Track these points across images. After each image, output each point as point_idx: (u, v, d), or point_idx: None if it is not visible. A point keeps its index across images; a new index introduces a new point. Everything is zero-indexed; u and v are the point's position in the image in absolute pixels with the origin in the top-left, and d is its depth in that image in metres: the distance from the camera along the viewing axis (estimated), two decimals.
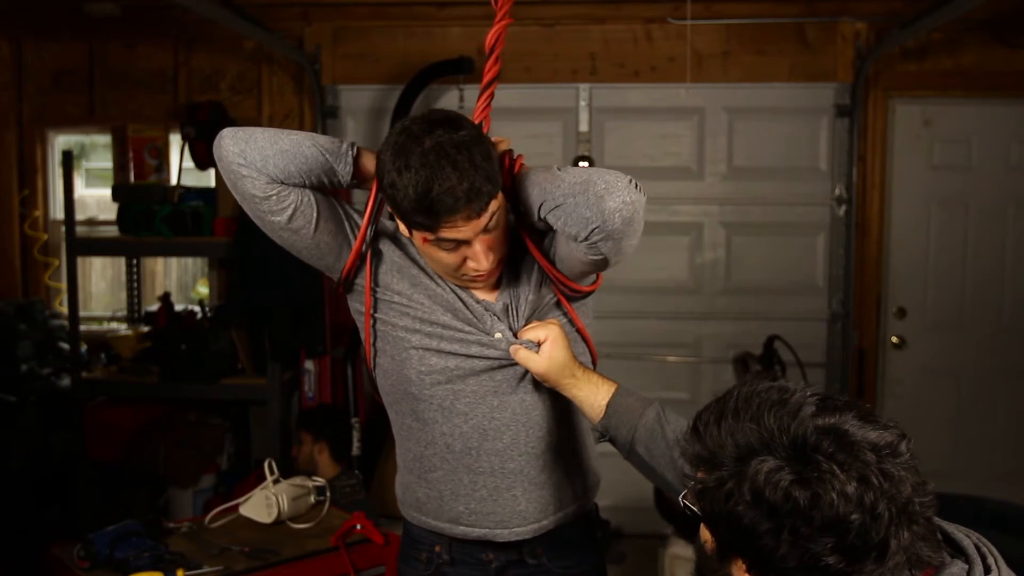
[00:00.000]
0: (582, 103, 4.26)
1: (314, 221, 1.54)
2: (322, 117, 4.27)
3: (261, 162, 1.48)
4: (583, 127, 4.26)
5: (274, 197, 1.50)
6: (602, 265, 1.52)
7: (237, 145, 1.49)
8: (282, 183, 1.50)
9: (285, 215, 1.52)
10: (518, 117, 4.09)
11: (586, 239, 1.45)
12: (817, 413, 1.04)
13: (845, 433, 1.02)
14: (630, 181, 1.44)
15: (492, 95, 1.65)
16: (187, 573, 1.99)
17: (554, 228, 1.52)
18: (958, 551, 1.11)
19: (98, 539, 2.07)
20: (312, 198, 1.54)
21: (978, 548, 1.11)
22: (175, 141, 4.22)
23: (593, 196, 1.42)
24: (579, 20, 4.25)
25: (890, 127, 4.25)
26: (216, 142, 1.51)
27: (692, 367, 4.36)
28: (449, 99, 4.22)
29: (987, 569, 1.08)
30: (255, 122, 4.33)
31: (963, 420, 4.31)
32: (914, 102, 4.24)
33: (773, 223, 4.27)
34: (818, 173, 4.25)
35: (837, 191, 4.23)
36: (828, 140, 4.23)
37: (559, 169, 1.52)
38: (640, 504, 3.57)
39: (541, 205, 1.50)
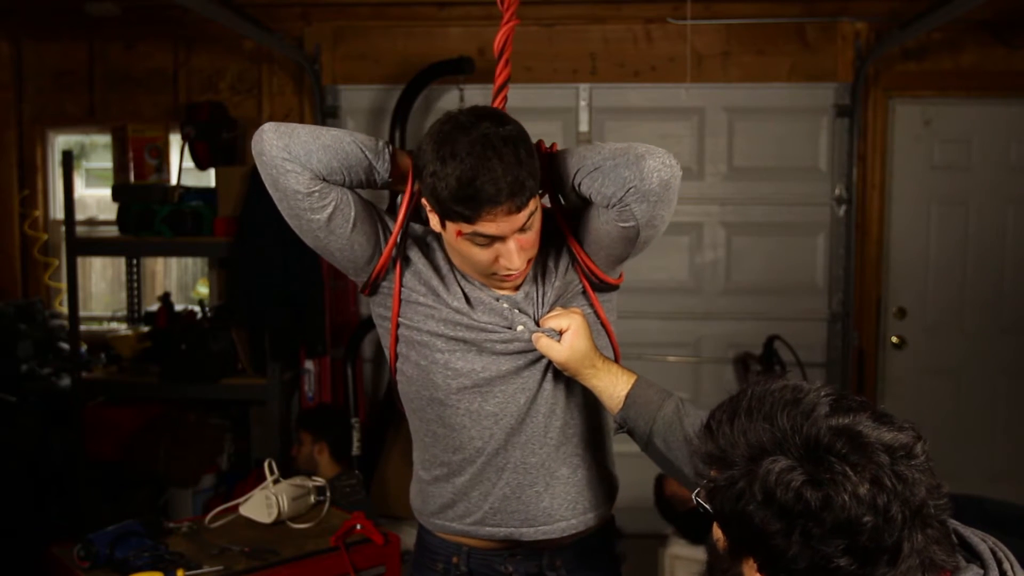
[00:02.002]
0: (582, 103, 4.26)
1: (352, 221, 1.53)
2: (322, 117, 4.27)
3: (305, 157, 1.47)
4: (583, 127, 4.26)
5: (316, 194, 1.48)
6: (633, 235, 1.51)
7: (281, 140, 1.47)
8: (324, 180, 1.49)
9: (325, 213, 1.50)
10: (518, 117, 4.03)
11: (621, 199, 1.46)
12: (831, 413, 1.03)
13: (859, 434, 1.01)
14: (668, 151, 1.48)
15: (506, 98, 1.67)
16: (187, 573, 1.99)
17: (585, 196, 1.53)
18: (973, 555, 1.10)
19: (98, 539, 2.07)
20: (350, 198, 1.53)
21: (994, 553, 1.10)
22: (175, 141, 4.22)
23: (633, 156, 1.45)
24: (579, 20, 4.25)
25: (890, 127, 4.25)
26: (257, 136, 1.50)
27: (692, 367, 4.36)
28: (449, 99, 4.22)
29: (1003, 574, 1.07)
30: (255, 122, 4.32)
31: (963, 420, 4.31)
32: (914, 102, 4.24)
33: (773, 223, 4.27)
34: (818, 173, 4.25)
35: (837, 191, 4.23)
36: (828, 140, 4.23)
37: (600, 143, 1.55)
38: (640, 504, 3.56)
39: (578, 171, 1.51)
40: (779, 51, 4.21)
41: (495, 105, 1.65)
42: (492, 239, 1.47)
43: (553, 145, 1.61)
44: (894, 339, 4.34)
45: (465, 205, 1.42)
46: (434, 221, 1.53)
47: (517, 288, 1.62)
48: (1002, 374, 4.31)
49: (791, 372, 3.94)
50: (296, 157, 1.47)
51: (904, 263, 4.31)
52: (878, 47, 4.05)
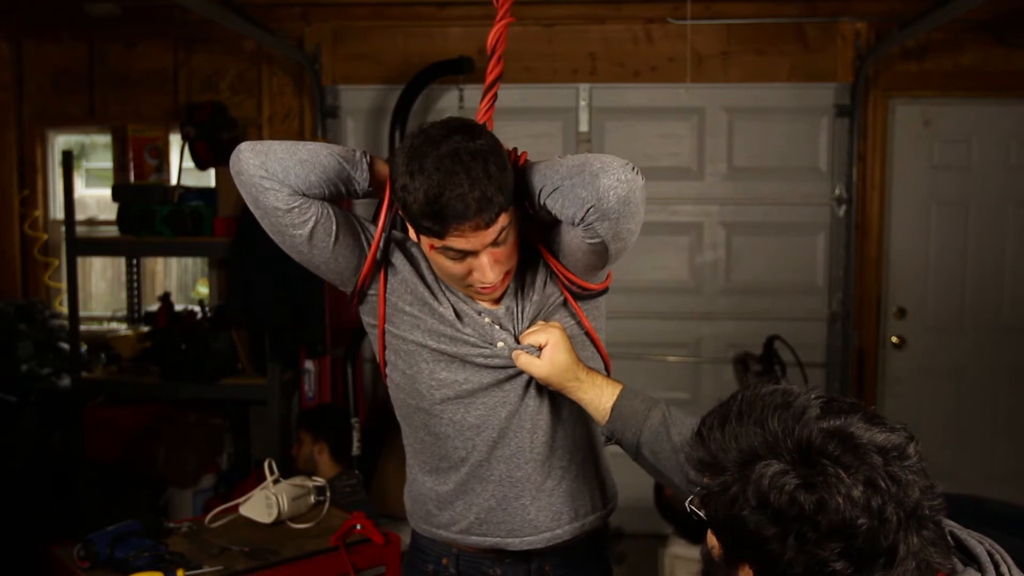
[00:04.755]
0: (582, 103, 4.26)
1: (334, 234, 1.53)
2: (322, 117, 4.27)
3: (283, 173, 1.47)
4: (583, 127, 4.26)
5: (296, 209, 1.49)
6: (602, 250, 1.50)
7: (257, 158, 1.48)
8: (303, 195, 1.49)
9: (307, 228, 1.51)
10: (518, 117, 4.10)
11: (583, 220, 1.44)
12: (822, 416, 1.02)
13: (851, 436, 1.00)
14: (627, 163, 1.43)
15: (495, 96, 1.65)
16: (187, 573, 1.99)
17: (553, 214, 1.51)
18: (970, 558, 1.09)
19: (98, 539, 2.06)
20: (331, 211, 1.53)
21: (991, 555, 1.09)
22: (175, 141, 4.22)
23: (589, 175, 1.41)
24: (579, 20, 4.25)
25: (890, 127, 4.25)
26: (234, 157, 1.50)
27: (692, 367, 4.36)
28: (449, 99, 4.22)
29: None
30: (255, 122, 4.35)
31: (963, 420, 4.31)
32: (914, 102, 4.25)
33: (773, 223, 4.27)
34: (818, 173, 4.25)
35: (837, 191, 4.23)
36: (828, 140, 4.23)
37: (560, 157, 1.51)
38: (640, 504, 3.57)
39: (540, 191, 1.49)
40: (779, 51, 4.21)
41: (484, 102, 1.63)
42: (464, 253, 1.47)
43: (523, 155, 1.57)
44: (894, 339, 4.34)
45: (433, 221, 1.41)
46: (411, 232, 1.54)
47: (498, 302, 1.62)
48: (1002, 374, 4.31)
49: (791, 372, 3.94)
50: (273, 174, 1.47)
51: (904, 263, 4.31)
52: (878, 47, 4.05)
